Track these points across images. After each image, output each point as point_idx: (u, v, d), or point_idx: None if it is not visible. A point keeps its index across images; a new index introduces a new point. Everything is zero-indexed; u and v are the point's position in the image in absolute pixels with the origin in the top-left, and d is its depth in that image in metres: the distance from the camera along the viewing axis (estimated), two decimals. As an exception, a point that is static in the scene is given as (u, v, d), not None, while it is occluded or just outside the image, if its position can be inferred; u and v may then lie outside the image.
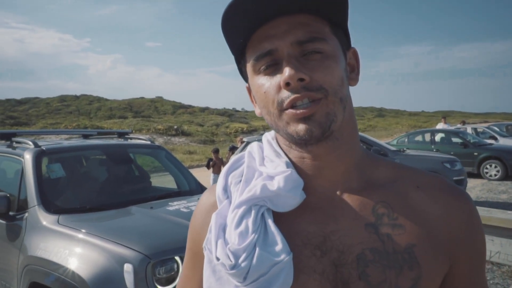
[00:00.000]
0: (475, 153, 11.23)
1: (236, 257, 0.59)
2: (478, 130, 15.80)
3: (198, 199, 0.81)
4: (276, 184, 0.62)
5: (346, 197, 0.64)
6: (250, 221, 0.61)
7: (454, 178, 6.87)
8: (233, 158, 0.76)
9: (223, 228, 0.64)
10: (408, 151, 7.81)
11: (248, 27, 0.61)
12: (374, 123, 46.12)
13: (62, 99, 57.05)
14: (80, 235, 2.50)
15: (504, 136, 15.41)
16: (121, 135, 4.57)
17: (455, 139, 11.93)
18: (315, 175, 0.65)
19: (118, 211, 3.00)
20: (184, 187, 3.92)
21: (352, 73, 0.68)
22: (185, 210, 2.95)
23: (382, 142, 9.07)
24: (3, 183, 3.66)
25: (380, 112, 70.82)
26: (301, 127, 0.59)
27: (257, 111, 0.70)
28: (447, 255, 0.63)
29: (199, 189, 3.86)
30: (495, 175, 10.86)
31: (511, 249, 1.61)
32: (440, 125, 14.54)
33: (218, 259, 0.61)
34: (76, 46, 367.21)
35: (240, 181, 0.68)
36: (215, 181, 7.36)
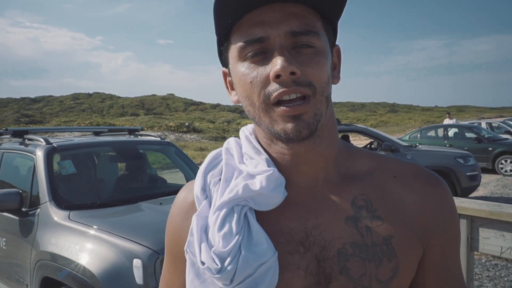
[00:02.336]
0: (490, 148, 11.04)
1: (222, 260, 0.58)
2: (493, 125, 15.53)
3: None
4: (258, 183, 0.61)
5: (326, 191, 0.65)
6: (233, 222, 0.60)
7: (468, 174, 6.76)
8: (210, 155, 0.73)
9: (204, 230, 0.63)
10: (420, 147, 7.71)
11: (240, 8, 0.57)
12: (386, 119, 45.68)
13: (75, 97, 57.81)
14: (91, 231, 2.53)
15: (520, 131, 15.10)
16: (132, 132, 4.60)
17: (469, 134, 11.73)
18: (296, 171, 0.64)
19: (128, 207, 3.03)
20: (193, 183, 3.91)
21: (334, 70, 0.67)
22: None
23: (394, 137, 8.98)
24: (16, 179, 3.72)
25: (393, 108, 70.09)
26: (289, 126, 0.57)
27: (234, 99, 0.68)
28: (421, 242, 0.64)
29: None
30: (511, 170, 10.66)
31: (523, 245, 1.58)
32: (446, 121, 14.31)
33: (203, 263, 0.60)
34: (89, 45, 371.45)
35: (219, 180, 0.66)
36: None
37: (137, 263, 2.22)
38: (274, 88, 0.57)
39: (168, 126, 26.06)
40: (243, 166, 0.65)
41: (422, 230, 0.64)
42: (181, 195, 0.74)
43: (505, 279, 3.88)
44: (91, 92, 61.36)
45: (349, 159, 0.68)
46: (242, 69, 0.60)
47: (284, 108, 0.57)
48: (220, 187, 0.64)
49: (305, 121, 0.57)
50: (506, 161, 10.79)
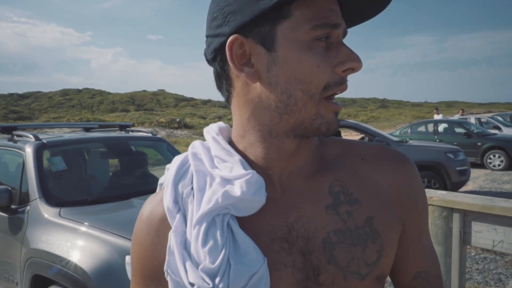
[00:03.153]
0: (479, 143, 11.17)
1: (212, 277, 0.54)
2: (482, 120, 15.71)
3: None
4: (238, 189, 0.57)
5: (304, 183, 0.63)
6: (217, 234, 0.56)
7: (458, 169, 6.84)
8: (175, 162, 0.66)
9: (184, 246, 0.58)
10: (411, 142, 7.78)
11: None
12: (377, 114, 45.97)
13: (65, 93, 57.17)
14: (82, 228, 2.50)
15: (508, 126, 15.34)
16: (123, 128, 4.56)
17: (458, 130, 11.87)
18: (275, 167, 0.63)
19: (120, 203, 3.00)
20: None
21: None
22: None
23: (385, 133, 9.04)
24: (5, 176, 3.66)
25: (383, 103, 70.52)
26: (333, 122, 0.59)
27: (250, 72, 0.58)
28: (400, 219, 0.66)
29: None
30: (499, 165, 10.81)
31: (514, 238, 1.60)
32: (435, 117, 14.44)
33: (192, 284, 0.55)
34: (78, 40, 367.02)
35: (192, 189, 0.61)
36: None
37: (129, 259, 2.20)
38: (336, 81, 0.57)
39: (159, 122, 25.92)
40: (216, 170, 0.61)
41: (399, 207, 0.66)
42: (146, 210, 0.66)
43: (494, 271, 3.94)
44: (81, 88, 60.74)
45: (322, 148, 0.68)
46: (309, 50, 0.56)
47: (335, 104, 0.58)
48: (195, 198, 0.60)
49: (338, 118, 0.60)
50: (494, 156, 10.93)
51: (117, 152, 3.90)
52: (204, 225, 0.57)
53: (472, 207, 1.69)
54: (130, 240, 2.27)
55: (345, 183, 0.64)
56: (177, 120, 26.71)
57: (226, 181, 0.59)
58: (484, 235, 1.69)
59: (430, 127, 12.26)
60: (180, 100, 52.41)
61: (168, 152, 4.17)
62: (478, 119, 15.55)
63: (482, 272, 3.94)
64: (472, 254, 4.37)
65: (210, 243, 0.56)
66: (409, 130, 12.50)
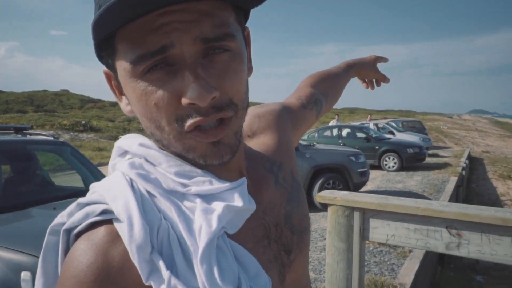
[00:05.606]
0: (376, 147, 12.29)
1: None
2: (379, 125, 17.30)
3: None
4: (239, 200, 0.49)
5: (249, 175, 0.61)
6: (229, 260, 0.47)
7: (359, 170, 7.39)
8: (117, 186, 0.50)
9: None
10: (318, 146, 8.23)
11: (132, 11, 0.42)
12: (287, 119, 47.70)
13: None
14: (-33, 243, 2.21)
15: (400, 131, 17.13)
16: (19, 130, 4.13)
17: (359, 134, 12.95)
18: (223, 175, 0.55)
19: (15, 214, 2.71)
20: (92, 186, 3.67)
21: (250, 62, 0.57)
22: (93, 210, 2.77)
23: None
24: None
25: (293, 109, 73.47)
26: (209, 153, 0.48)
27: (126, 109, 0.53)
28: (293, 164, 0.71)
29: (109, 187, 3.65)
30: (393, 166, 12.00)
31: (403, 232, 1.79)
32: (333, 122, 15.58)
33: None
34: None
35: (161, 218, 0.48)
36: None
37: (25, 275, 2.00)
38: (187, 114, 0.46)
39: (62, 124, 23.96)
40: (193, 188, 0.49)
41: (291, 154, 0.71)
42: (83, 260, 0.45)
43: (388, 263, 4.35)
44: (-35, 84, 53.57)
45: None
46: (139, 87, 0.46)
47: (201, 134, 0.47)
48: (180, 229, 0.47)
49: (226, 143, 0.49)
50: (389, 158, 12.11)
51: (12, 157, 3.52)
52: (214, 257, 0.45)
53: (370, 206, 1.87)
54: (26, 253, 2.08)
55: (267, 155, 0.67)
56: (83, 122, 24.96)
57: (213, 196, 0.50)
58: (380, 231, 1.87)
59: (335, 132, 13.17)
60: (86, 102, 49.09)
61: (73, 157, 3.88)
62: (376, 125, 17.10)
63: (378, 264, 4.33)
64: (371, 249, 4.78)
65: (227, 273, 0.46)
66: (316, 134, 13.27)
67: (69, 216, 0.51)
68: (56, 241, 0.51)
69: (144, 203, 0.48)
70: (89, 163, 3.92)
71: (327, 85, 0.95)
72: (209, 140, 0.47)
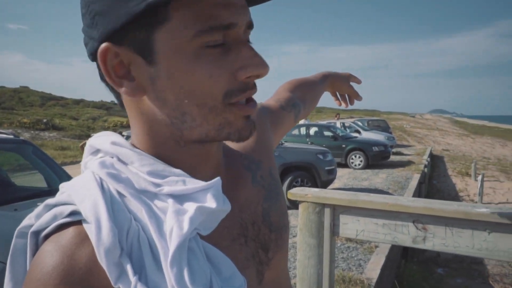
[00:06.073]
0: (343, 145, 12.57)
1: None
2: (346, 124, 17.69)
3: None
4: (212, 201, 0.47)
5: (226, 173, 0.60)
6: (201, 262, 0.46)
7: (326, 168, 7.53)
8: (87, 186, 0.48)
9: None
10: (286, 144, 8.31)
11: None
12: (256, 118, 47.88)
13: None
14: None
15: (366, 130, 17.59)
16: (-25, 128, 3.93)
17: (326, 133, 13.19)
18: (201, 170, 0.55)
19: (-28, 217, 2.58)
20: (56, 185, 3.54)
21: None
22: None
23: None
24: None
25: (262, 108, 73.90)
26: (244, 127, 0.51)
27: (128, 88, 0.48)
28: (272, 162, 0.72)
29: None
30: (359, 164, 12.31)
31: (372, 227, 1.84)
32: (302, 121, 15.85)
33: None
34: None
35: (132, 220, 0.47)
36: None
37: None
38: (239, 88, 0.49)
39: (22, 122, 22.98)
40: (166, 188, 0.48)
41: (270, 151, 0.72)
42: (48, 262, 0.44)
43: (355, 258, 4.46)
44: None
45: None
46: (199, 57, 0.46)
47: (246, 107, 0.50)
48: (153, 230, 0.45)
49: (253, 120, 0.53)
50: (355, 156, 12.41)
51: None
52: (184, 259, 0.44)
53: (340, 202, 1.90)
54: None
55: (246, 152, 0.67)
56: (44, 120, 24.03)
57: (186, 197, 0.47)
58: (349, 226, 1.91)
59: (303, 130, 13.35)
60: (48, 99, 47.24)
61: (35, 156, 3.73)
62: (343, 124, 17.48)
63: (346, 259, 4.43)
64: (338, 245, 4.88)
65: (198, 276, 0.45)
66: (285, 133, 13.41)
67: (37, 218, 0.49)
68: (24, 244, 0.49)
69: (114, 204, 0.47)
70: (52, 163, 3.78)
71: (304, 91, 0.97)
72: (249, 113, 0.51)
